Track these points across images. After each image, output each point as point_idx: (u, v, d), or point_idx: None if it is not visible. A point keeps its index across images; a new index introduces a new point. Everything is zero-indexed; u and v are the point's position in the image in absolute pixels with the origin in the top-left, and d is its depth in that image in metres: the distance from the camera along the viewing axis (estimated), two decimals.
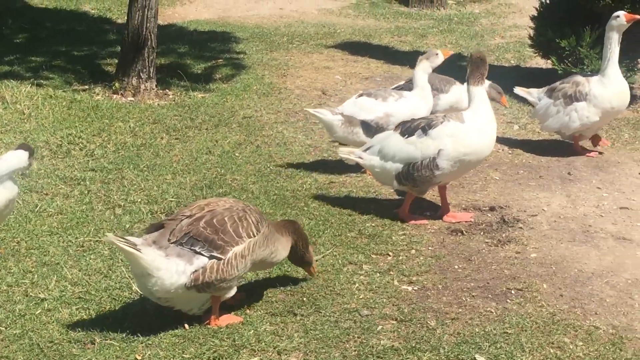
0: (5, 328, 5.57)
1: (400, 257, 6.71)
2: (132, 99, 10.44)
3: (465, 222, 7.39)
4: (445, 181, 7.38)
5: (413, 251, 6.83)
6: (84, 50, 12.29)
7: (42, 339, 5.44)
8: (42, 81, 10.66)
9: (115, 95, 10.47)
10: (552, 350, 5.48)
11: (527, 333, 5.65)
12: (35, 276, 6.20)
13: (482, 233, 7.20)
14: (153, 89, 10.62)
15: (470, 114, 7.12)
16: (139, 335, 5.49)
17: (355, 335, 5.57)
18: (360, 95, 8.52)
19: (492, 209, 7.67)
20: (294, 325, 5.67)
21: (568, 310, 5.99)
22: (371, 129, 8.18)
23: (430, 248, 6.91)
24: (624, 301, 6.17)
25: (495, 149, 8.67)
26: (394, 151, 7.30)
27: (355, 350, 5.41)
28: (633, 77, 10.96)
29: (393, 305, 5.97)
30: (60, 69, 11.30)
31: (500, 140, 9.20)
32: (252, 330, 5.57)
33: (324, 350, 5.40)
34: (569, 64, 10.75)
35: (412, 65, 11.73)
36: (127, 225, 7.04)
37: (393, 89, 8.79)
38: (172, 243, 5.40)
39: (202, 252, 5.42)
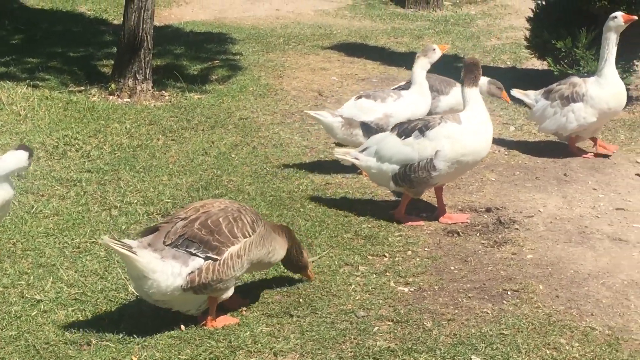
0: (1, 329, 5.56)
1: (397, 258, 6.71)
2: (128, 100, 10.43)
3: (462, 223, 7.39)
4: (441, 182, 7.39)
5: (409, 252, 6.84)
6: (80, 52, 12.28)
7: (38, 341, 5.44)
8: (38, 82, 10.65)
9: (111, 97, 10.46)
10: (548, 351, 5.48)
11: (523, 334, 5.65)
12: (31, 277, 6.19)
13: (478, 234, 7.21)
14: (149, 90, 10.61)
15: (466, 115, 7.13)
16: (135, 336, 5.49)
17: (352, 337, 5.57)
18: (359, 97, 8.53)
19: (488, 210, 7.68)
20: (290, 327, 5.67)
21: (564, 311, 6.00)
22: (371, 130, 8.19)
23: (426, 249, 6.91)
24: (620, 302, 6.18)
25: (492, 150, 8.67)
26: (390, 152, 7.30)
27: (351, 352, 5.41)
28: (629, 79, 10.97)
29: (389, 306, 5.97)
30: (56, 70, 11.28)
31: (497, 141, 9.20)
32: (249, 332, 5.57)
33: (320, 352, 5.40)
34: (565, 65, 10.76)
35: (409, 67, 11.78)
36: (123, 227, 7.04)
37: (394, 89, 8.79)
38: (167, 245, 5.40)
39: (198, 254, 5.42)
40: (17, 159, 6.22)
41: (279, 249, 5.87)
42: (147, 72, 10.59)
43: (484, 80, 8.64)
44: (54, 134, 9.00)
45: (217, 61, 12.30)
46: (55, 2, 15.52)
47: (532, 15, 11.65)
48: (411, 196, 7.43)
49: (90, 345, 5.41)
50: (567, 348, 5.53)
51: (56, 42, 12.63)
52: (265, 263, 5.87)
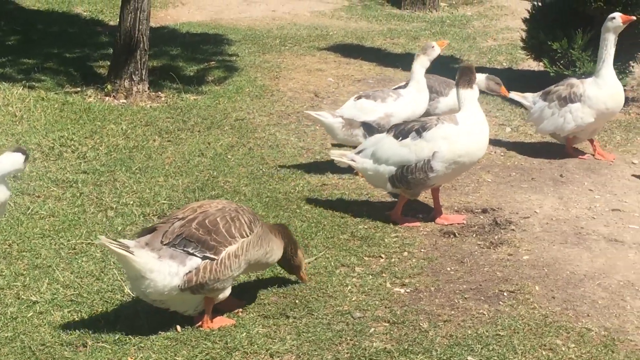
0: None
1: (393, 260, 6.71)
2: (125, 101, 10.42)
3: (458, 224, 7.39)
4: (438, 183, 7.39)
5: (405, 253, 6.84)
6: (76, 53, 12.26)
7: (33, 342, 5.43)
8: (34, 83, 10.64)
9: (107, 98, 10.45)
10: (544, 352, 5.49)
11: (520, 335, 5.66)
12: (27, 279, 6.18)
13: (474, 235, 7.21)
14: (145, 91, 10.60)
15: (463, 116, 7.14)
16: (131, 337, 5.49)
17: (348, 338, 5.57)
18: (359, 97, 8.54)
19: (484, 211, 7.68)
20: (287, 328, 5.66)
21: (560, 312, 6.00)
22: (373, 130, 8.21)
23: (422, 250, 6.92)
24: (616, 303, 6.18)
25: (488, 151, 8.68)
26: (387, 154, 7.30)
27: (347, 353, 5.41)
28: (625, 80, 10.98)
29: (385, 307, 5.97)
30: (52, 71, 11.27)
31: (493, 142, 9.20)
32: (245, 333, 5.56)
33: (316, 353, 5.40)
34: (560, 66, 10.77)
35: (405, 68, 11.82)
36: (119, 228, 7.03)
37: (394, 89, 8.79)
38: (164, 245, 5.40)
39: (195, 253, 5.42)
40: (12, 161, 6.21)
41: (276, 250, 5.87)
42: (143, 73, 10.58)
43: (481, 77, 8.66)
44: (49, 135, 8.99)
45: (213, 62, 12.30)
46: (51, 3, 15.50)
47: (528, 17, 11.66)
48: (408, 197, 7.43)
49: (86, 347, 5.40)
50: (563, 349, 5.53)
51: (52, 43, 12.61)
52: (263, 264, 5.88)
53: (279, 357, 5.37)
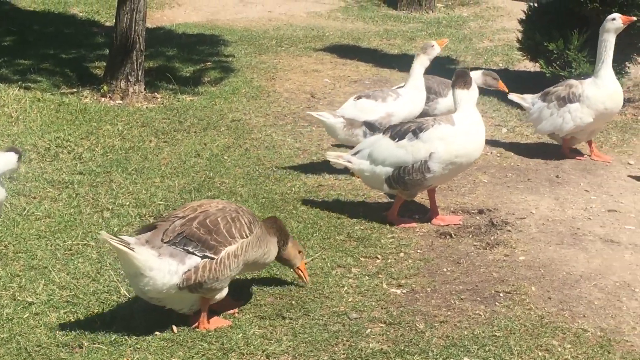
0: None
1: (389, 260, 6.71)
2: (121, 102, 10.41)
3: (454, 225, 7.39)
4: (435, 184, 7.39)
5: (402, 254, 6.84)
6: (72, 53, 12.25)
7: (29, 343, 5.42)
8: (30, 84, 10.63)
9: (103, 99, 10.44)
10: (540, 353, 5.49)
11: (516, 336, 5.66)
12: (23, 280, 6.17)
13: (470, 236, 7.21)
14: (141, 92, 10.59)
15: (459, 117, 7.14)
16: (127, 338, 5.48)
17: (344, 339, 5.56)
18: (359, 97, 8.55)
19: (480, 211, 7.69)
20: (283, 329, 5.66)
21: (556, 313, 6.01)
22: (375, 129, 8.22)
23: (419, 251, 6.92)
24: (612, 304, 6.19)
25: (484, 152, 8.69)
26: (384, 155, 7.30)
27: (344, 354, 5.41)
28: (621, 80, 10.99)
29: (382, 308, 5.97)
30: (48, 72, 11.26)
31: (489, 143, 9.21)
32: (241, 334, 5.56)
33: (312, 354, 5.40)
34: (557, 67, 10.78)
35: (401, 68, 11.84)
36: (116, 229, 7.02)
37: (394, 89, 8.80)
38: (165, 243, 5.40)
39: (195, 252, 5.42)
40: (6, 160, 6.22)
41: (272, 250, 5.88)
42: (140, 74, 10.58)
43: (478, 73, 8.69)
44: (45, 135, 8.98)
45: (209, 63, 12.29)
46: (47, 4, 15.49)
47: (524, 17, 11.67)
48: (404, 198, 7.43)
49: (83, 348, 5.39)
50: (559, 350, 5.54)
51: (48, 44, 12.60)
52: (260, 264, 5.88)
53: (275, 358, 5.37)
